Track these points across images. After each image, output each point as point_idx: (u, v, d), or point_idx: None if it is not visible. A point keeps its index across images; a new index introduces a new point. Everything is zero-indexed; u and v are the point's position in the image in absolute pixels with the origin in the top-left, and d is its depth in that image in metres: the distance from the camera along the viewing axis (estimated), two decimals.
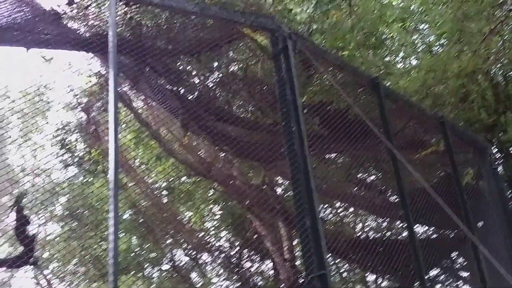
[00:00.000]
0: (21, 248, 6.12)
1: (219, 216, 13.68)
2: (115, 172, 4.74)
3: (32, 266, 7.87)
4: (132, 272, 12.52)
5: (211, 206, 13.75)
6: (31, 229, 6.39)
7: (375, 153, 6.18)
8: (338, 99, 5.76)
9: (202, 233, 13.82)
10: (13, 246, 13.07)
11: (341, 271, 10.97)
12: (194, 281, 13.83)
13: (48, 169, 14.50)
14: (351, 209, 9.93)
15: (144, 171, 12.76)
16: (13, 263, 6.64)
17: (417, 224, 6.28)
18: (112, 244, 4.55)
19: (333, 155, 7.32)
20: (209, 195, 13.26)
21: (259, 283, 12.98)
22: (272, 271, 12.52)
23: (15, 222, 6.19)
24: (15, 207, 6.11)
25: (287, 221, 9.47)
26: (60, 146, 12.19)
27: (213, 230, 14.23)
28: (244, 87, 7.34)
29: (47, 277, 15.10)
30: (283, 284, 10.21)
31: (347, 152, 6.68)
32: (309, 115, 5.56)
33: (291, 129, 4.56)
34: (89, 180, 13.14)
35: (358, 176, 7.88)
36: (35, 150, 15.46)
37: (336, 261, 9.77)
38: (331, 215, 9.77)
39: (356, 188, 8.05)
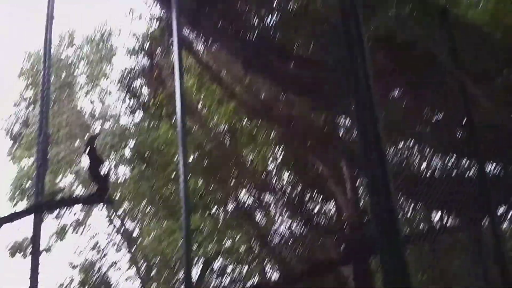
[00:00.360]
0: (95, 188, 6.41)
1: (281, 157, 13.80)
2: (182, 114, 4.87)
3: (106, 204, 8.31)
4: (200, 212, 12.99)
5: (273, 148, 13.84)
6: (104, 170, 6.66)
7: (443, 87, 5.97)
8: (404, 32, 5.54)
9: (265, 175, 14.04)
10: (87, 187, 13.84)
11: (405, 211, 10.89)
12: (258, 220, 14.18)
13: (116, 114, 15.04)
14: (416, 147, 9.74)
15: (207, 115, 12.98)
16: (89, 200, 6.98)
17: (486, 160, 6.12)
18: (183, 185, 4.74)
19: (399, 91, 7.13)
20: (270, 137, 13.36)
21: (322, 222, 13.14)
22: (335, 211, 12.62)
23: (88, 162, 6.44)
24: (88, 148, 6.35)
25: (350, 161, 9.44)
26: (126, 91, 12.54)
27: (275, 171, 14.41)
28: (305, 23, 7.18)
29: (120, 217, 15.96)
30: (346, 223, 10.29)
31: (413, 87, 6.49)
32: (373, 49, 5.39)
33: (355, 64, 4.45)
34: (155, 124, 13.51)
35: (425, 112, 7.67)
36: (102, 95, 16.03)
37: (400, 201, 9.71)
38: (395, 153, 9.62)
39: (422, 125, 7.85)
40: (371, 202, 4.02)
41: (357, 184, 10.56)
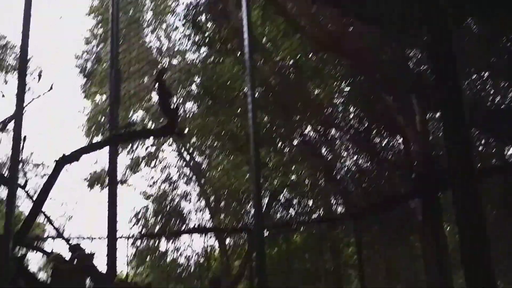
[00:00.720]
0: (166, 121, 6.58)
1: (348, 91, 13.54)
2: (250, 46, 4.85)
3: (177, 136, 8.57)
4: (265, 146, 13.12)
5: (340, 81, 13.57)
6: (173, 103, 6.82)
7: None
8: None
9: (331, 109, 13.89)
10: (158, 123, 14.28)
11: (478, 145, 10.54)
12: (324, 154, 14.20)
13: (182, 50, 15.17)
14: (491, 79, 9.28)
15: (272, 48, 12.82)
16: (160, 132, 7.20)
17: None
18: (251, 117, 4.80)
19: (472, 18, 6.73)
20: (337, 70, 13.08)
21: (389, 157, 12.98)
22: (403, 145, 12.40)
23: (158, 95, 6.59)
24: (158, 81, 6.49)
25: (420, 94, 9.15)
26: (191, 27, 12.51)
27: (342, 105, 14.21)
28: None
29: (189, 151, 16.46)
30: (414, 157, 10.10)
31: (488, 13, 6.10)
32: None
33: None
34: (220, 60, 13.51)
35: (501, 40, 7.23)
36: (169, 32, 16.14)
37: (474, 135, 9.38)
38: (469, 85, 9.23)
39: (498, 56, 7.44)
40: (445, 136, 3.92)
41: (427, 117, 10.27)
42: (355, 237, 11.45)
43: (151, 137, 15.13)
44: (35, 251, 6.49)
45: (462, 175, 3.65)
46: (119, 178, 10.68)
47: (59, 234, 6.34)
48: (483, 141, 10.71)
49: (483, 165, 10.00)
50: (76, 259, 4.50)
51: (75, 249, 4.73)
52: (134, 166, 16.50)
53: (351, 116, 14.02)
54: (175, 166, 16.80)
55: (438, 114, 11.65)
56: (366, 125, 13.43)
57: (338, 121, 13.96)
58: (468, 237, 3.63)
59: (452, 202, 3.92)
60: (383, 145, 13.35)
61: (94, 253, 5.06)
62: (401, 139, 12.23)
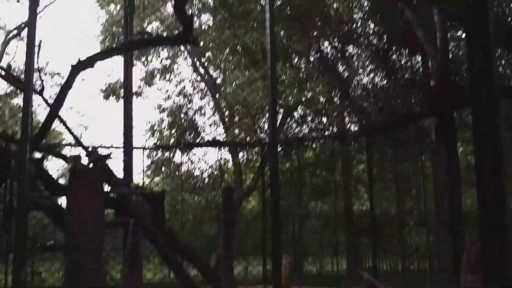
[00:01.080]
0: (181, 29, 6.45)
1: (368, 5, 13.12)
2: None
3: (191, 45, 8.46)
4: (281, 61, 12.95)
5: None
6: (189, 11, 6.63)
7: None
8: None
9: (350, 24, 13.55)
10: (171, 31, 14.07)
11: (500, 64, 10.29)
12: (340, 71, 14.04)
13: None
14: None
15: None
16: (175, 40, 7.08)
17: None
18: (268, 30, 4.69)
19: None
20: None
21: (407, 75, 12.81)
22: (421, 63, 12.21)
23: (173, 1, 6.39)
24: None
25: (444, 9, 8.81)
26: None
27: (361, 21, 13.84)
28: None
29: (204, 65, 16.30)
30: (432, 75, 9.92)
31: None
32: None
33: None
34: None
35: None
36: None
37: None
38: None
39: None
40: (469, 53, 3.81)
41: (448, 34, 9.97)
42: (367, 154, 11.54)
43: (166, 46, 14.96)
44: (53, 156, 6.62)
45: (484, 94, 3.57)
46: (134, 90, 10.68)
47: (76, 140, 6.42)
48: (503, 62, 10.47)
49: (501, 85, 9.82)
50: (92, 162, 4.60)
51: (92, 153, 4.82)
52: (149, 79, 16.47)
53: (370, 32, 13.68)
54: (190, 80, 16.74)
55: (459, 33, 11.34)
56: (385, 42, 13.13)
57: (356, 37, 13.64)
58: (484, 157, 3.62)
59: (472, 121, 3.87)
60: (401, 63, 13.13)
61: (110, 153, 5.14)
62: (420, 57, 12.00)
